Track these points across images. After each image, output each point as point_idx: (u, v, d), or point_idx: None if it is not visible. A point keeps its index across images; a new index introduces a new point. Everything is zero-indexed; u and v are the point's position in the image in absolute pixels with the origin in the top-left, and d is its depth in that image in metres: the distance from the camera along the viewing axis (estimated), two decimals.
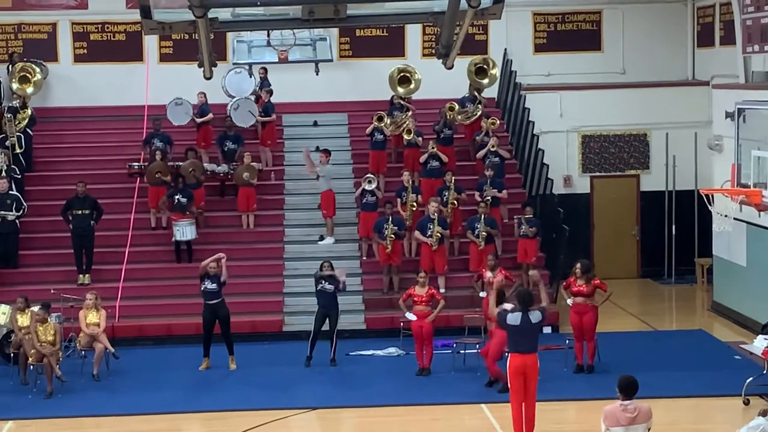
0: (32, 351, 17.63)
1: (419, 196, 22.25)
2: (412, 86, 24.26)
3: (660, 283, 25.46)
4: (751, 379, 16.46)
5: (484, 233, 21.22)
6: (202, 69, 12.33)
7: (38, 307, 18.09)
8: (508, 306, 14.92)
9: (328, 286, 19.08)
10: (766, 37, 20.76)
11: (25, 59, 24.71)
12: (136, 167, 23.20)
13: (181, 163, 22.86)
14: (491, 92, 25.21)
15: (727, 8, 23.12)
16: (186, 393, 17.77)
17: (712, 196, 19.69)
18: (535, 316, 14.33)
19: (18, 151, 22.82)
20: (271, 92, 24.57)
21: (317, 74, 22.68)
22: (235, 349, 19.05)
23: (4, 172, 21.83)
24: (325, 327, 19.09)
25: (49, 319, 17.99)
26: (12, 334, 18.48)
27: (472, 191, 22.40)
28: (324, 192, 22.56)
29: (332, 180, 22.80)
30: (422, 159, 22.97)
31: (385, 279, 21.66)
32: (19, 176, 22.44)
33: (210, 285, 18.79)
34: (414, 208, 22.04)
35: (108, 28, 25.78)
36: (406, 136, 23.36)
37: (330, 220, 22.60)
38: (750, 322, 20.75)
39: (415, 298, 18.54)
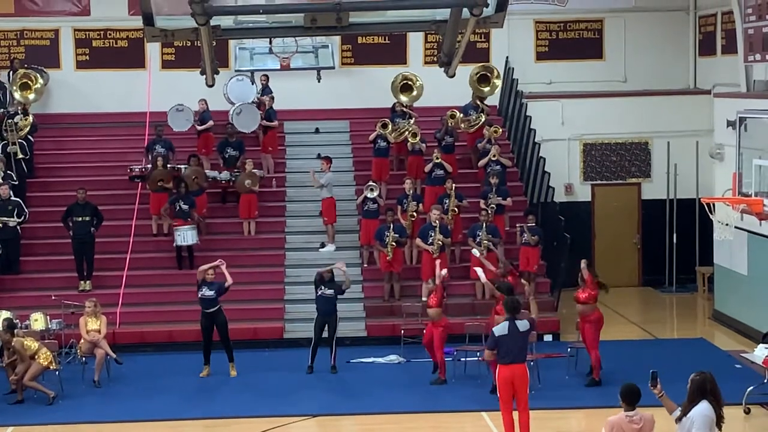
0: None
1: (420, 204, 22.25)
2: (414, 94, 24.28)
3: (661, 291, 25.44)
4: (751, 388, 16.43)
5: (486, 241, 21.21)
6: (205, 76, 12.33)
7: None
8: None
9: (328, 291, 19.07)
10: None
11: (25, 65, 24.71)
12: (137, 170, 23.17)
13: (183, 166, 22.86)
14: (493, 100, 25.21)
15: (729, 17, 23.12)
16: (187, 400, 17.75)
17: (714, 204, 19.69)
18: (522, 324, 14.37)
19: (21, 156, 22.81)
20: (273, 99, 24.56)
21: (319, 81, 22.66)
22: (236, 356, 19.04)
23: (1, 179, 21.82)
24: (325, 334, 19.10)
25: (13, 338, 17.36)
26: None
27: (473, 199, 22.40)
28: (325, 199, 22.58)
29: (333, 187, 22.80)
30: (427, 168, 22.98)
31: (386, 286, 21.66)
32: (16, 182, 22.39)
33: (207, 292, 18.73)
34: (413, 218, 22.03)
35: (110, 34, 25.79)
36: (411, 140, 23.34)
37: (331, 227, 22.60)
38: (751, 331, 20.72)
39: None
